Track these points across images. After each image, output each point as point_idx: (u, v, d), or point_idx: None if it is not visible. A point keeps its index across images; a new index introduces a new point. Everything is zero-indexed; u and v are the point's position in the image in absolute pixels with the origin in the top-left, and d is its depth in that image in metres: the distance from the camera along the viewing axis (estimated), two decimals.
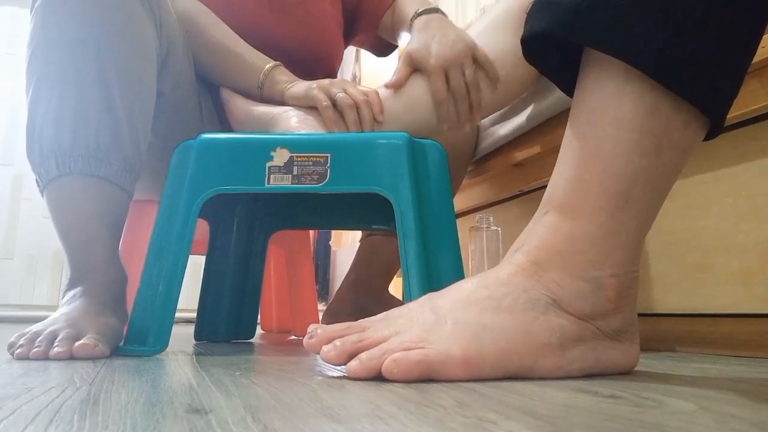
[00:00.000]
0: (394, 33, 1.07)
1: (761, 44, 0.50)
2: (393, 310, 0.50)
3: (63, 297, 0.71)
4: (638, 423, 0.28)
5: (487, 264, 1.06)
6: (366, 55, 2.81)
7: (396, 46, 1.15)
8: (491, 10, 0.94)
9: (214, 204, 0.89)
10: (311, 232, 1.79)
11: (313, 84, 0.85)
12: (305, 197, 1.06)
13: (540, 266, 0.47)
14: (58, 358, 0.59)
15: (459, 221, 1.24)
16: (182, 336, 1.11)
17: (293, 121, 0.83)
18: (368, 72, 2.84)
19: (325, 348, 0.46)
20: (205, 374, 0.48)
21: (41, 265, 2.68)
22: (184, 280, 0.68)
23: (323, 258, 3.09)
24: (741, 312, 0.71)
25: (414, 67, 0.86)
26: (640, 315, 0.52)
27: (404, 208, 0.69)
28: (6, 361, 0.57)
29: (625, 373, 0.49)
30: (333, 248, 3.07)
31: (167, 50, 0.83)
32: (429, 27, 0.89)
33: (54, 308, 0.97)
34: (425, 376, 0.42)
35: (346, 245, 2.80)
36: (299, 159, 0.70)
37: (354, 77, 2.96)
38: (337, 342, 0.46)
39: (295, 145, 0.71)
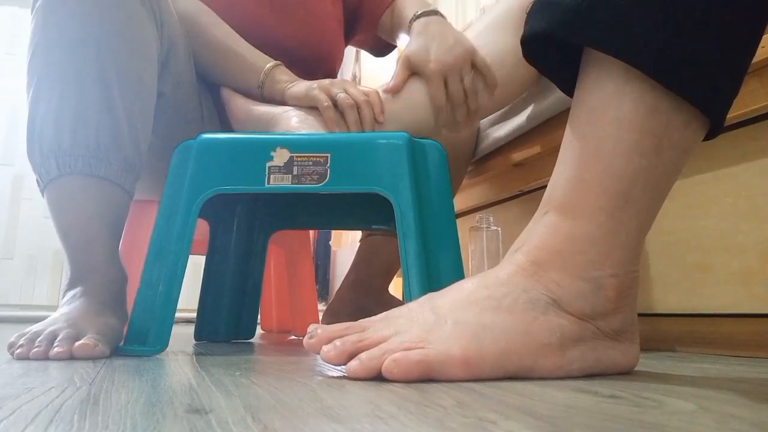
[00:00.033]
0: (393, 33, 1.06)
1: (761, 44, 0.50)
2: (393, 310, 0.50)
3: (63, 297, 0.71)
4: (638, 423, 0.28)
5: (487, 264, 1.06)
6: (366, 55, 2.81)
7: (394, 47, 1.15)
8: (491, 10, 0.94)
9: (214, 204, 0.89)
10: (311, 232, 1.79)
11: (314, 84, 0.85)
12: (305, 197, 1.06)
13: (540, 266, 0.47)
14: (58, 358, 0.59)
15: (459, 221, 1.24)
16: (182, 336, 1.11)
17: (294, 121, 0.83)
18: (368, 72, 2.84)
19: (325, 348, 0.46)
20: (205, 374, 0.48)
21: (41, 265, 2.68)
22: (184, 280, 0.68)
23: (323, 258, 3.10)
24: (741, 312, 0.71)
25: (412, 70, 0.86)
26: (640, 315, 0.52)
27: (404, 208, 0.69)
28: (6, 361, 0.57)
29: (625, 373, 0.49)
30: (333, 248, 3.07)
31: (168, 50, 0.83)
32: (428, 30, 0.89)
33: (54, 308, 0.97)
34: (425, 376, 0.42)
35: (346, 245, 2.80)
36: (299, 159, 0.70)
37: (354, 77, 2.96)
38: (337, 342, 0.46)
39: (295, 145, 0.71)
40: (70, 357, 0.60)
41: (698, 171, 0.77)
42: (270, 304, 1.47)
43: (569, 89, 0.52)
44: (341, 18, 1.09)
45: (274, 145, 0.71)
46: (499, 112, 1.11)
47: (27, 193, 2.69)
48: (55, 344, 0.60)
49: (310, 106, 0.85)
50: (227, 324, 1.00)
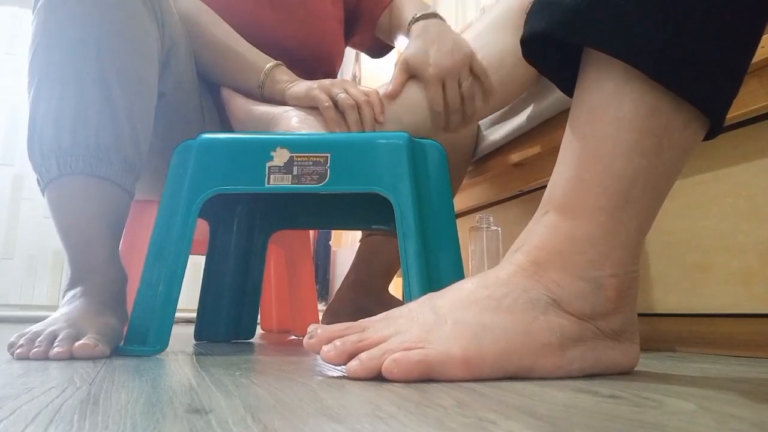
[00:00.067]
0: (391, 34, 1.06)
1: (761, 44, 0.50)
2: (393, 310, 0.50)
3: (63, 297, 0.71)
4: (638, 423, 0.28)
5: (487, 264, 1.06)
6: (366, 55, 2.81)
7: (392, 48, 1.15)
8: (491, 11, 0.94)
9: (214, 204, 0.89)
10: (311, 232, 1.79)
11: (314, 84, 0.85)
12: (305, 197, 1.06)
13: (540, 266, 0.47)
14: (58, 358, 0.59)
15: (459, 221, 1.24)
16: (182, 336, 1.11)
17: (294, 121, 0.83)
18: (368, 72, 2.85)
19: (325, 348, 0.46)
20: (205, 374, 0.48)
21: (41, 265, 2.68)
22: (184, 280, 0.68)
23: (323, 258, 3.10)
24: (741, 312, 0.71)
25: (411, 74, 0.86)
26: (640, 315, 0.52)
27: (404, 208, 0.69)
28: (6, 361, 0.57)
29: (625, 373, 0.49)
30: (333, 248, 3.07)
31: (169, 50, 0.83)
32: (427, 33, 0.88)
33: (54, 308, 0.97)
34: (425, 376, 0.42)
35: (346, 245, 2.80)
36: (299, 159, 0.70)
37: (354, 77, 2.96)
38: (337, 342, 0.46)
39: (295, 145, 0.71)
40: (70, 357, 0.60)
41: (698, 171, 0.77)
42: (270, 304, 1.47)
43: (569, 89, 0.52)
44: (341, 18, 1.09)
45: (274, 145, 0.71)
46: (499, 112, 1.11)
47: (27, 193, 2.69)
48: (55, 344, 0.60)
49: (310, 106, 0.84)
50: (227, 324, 1.00)
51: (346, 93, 0.83)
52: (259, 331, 1.45)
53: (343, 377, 0.45)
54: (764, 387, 0.42)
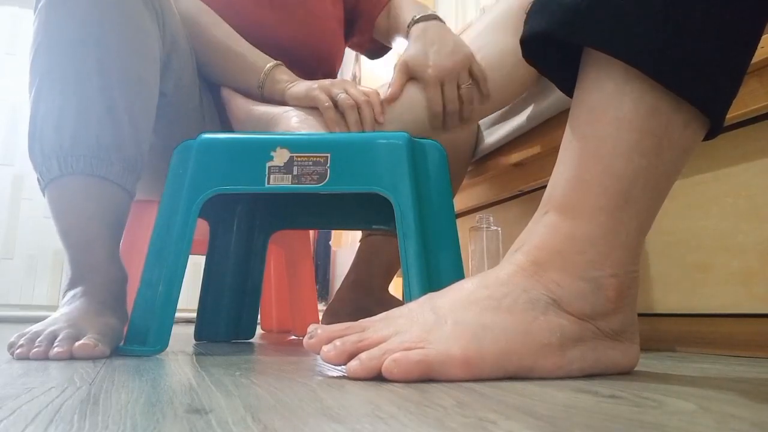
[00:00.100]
0: (389, 35, 1.06)
1: (761, 44, 0.50)
2: (393, 310, 0.50)
3: (63, 297, 0.71)
4: (638, 423, 0.28)
5: (487, 264, 1.06)
6: None
7: (389, 49, 1.15)
8: (491, 10, 0.94)
9: (214, 204, 0.89)
10: (311, 232, 1.79)
11: (314, 84, 0.85)
12: (305, 197, 1.06)
13: (540, 266, 0.47)
14: (58, 358, 0.59)
15: (459, 221, 1.24)
16: (182, 336, 1.11)
17: (294, 121, 0.83)
18: (368, 72, 2.84)
19: (325, 348, 0.46)
20: (205, 374, 0.48)
21: (41, 265, 2.68)
22: (184, 280, 0.68)
23: (323, 258, 3.09)
24: (741, 312, 0.71)
25: (410, 75, 0.86)
26: (640, 315, 0.52)
27: (404, 208, 0.69)
28: (6, 361, 0.57)
29: (625, 373, 0.49)
30: (333, 248, 3.07)
31: (170, 50, 0.83)
32: (427, 35, 0.88)
33: (54, 308, 0.97)
34: (425, 376, 0.42)
35: (346, 245, 2.80)
36: (299, 159, 0.70)
37: (354, 77, 2.96)
38: (337, 342, 0.46)
39: (295, 145, 0.71)
40: (70, 357, 0.60)
41: (698, 171, 0.77)
42: (270, 304, 1.47)
43: (569, 89, 0.52)
44: (341, 18, 1.09)
45: (274, 145, 0.71)
46: (499, 112, 1.11)
47: (27, 193, 2.69)
48: (55, 344, 0.60)
49: (310, 106, 0.84)
50: (227, 324, 1.00)
51: (346, 93, 0.83)
52: (259, 331, 1.45)
53: (343, 377, 0.45)
54: (764, 387, 0.42)
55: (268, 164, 0.70)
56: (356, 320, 0.49)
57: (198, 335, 0.97)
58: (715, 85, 0.45)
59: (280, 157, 0.70)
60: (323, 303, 2.73)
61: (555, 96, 0.93)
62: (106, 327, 0.66)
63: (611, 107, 0.47)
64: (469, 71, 0.85)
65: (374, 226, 1.07)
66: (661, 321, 0.82)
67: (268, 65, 0.89)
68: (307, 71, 0.98)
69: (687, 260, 0.78)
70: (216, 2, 0.94)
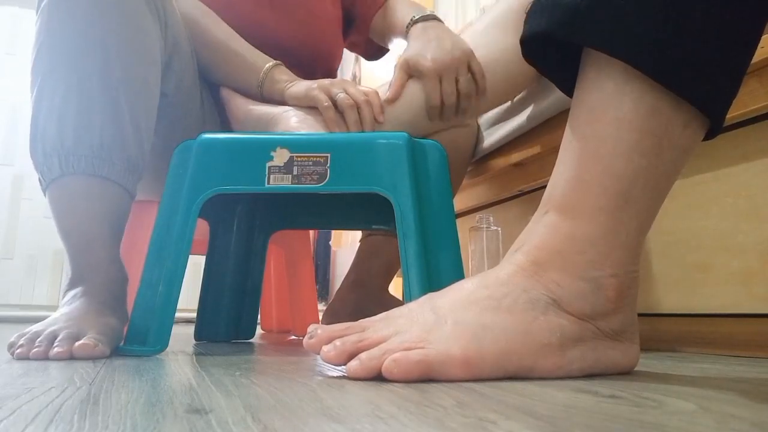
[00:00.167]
0: (385, 36, 1.07)
1: (761, 44, 0.50)
2: (393, 310, 0.50)
3: (63, 297, 0.71)
4: (638, 423, 0.28)
5: (487, 264, 1.06)
6: None
7: (387, 50, 1.15)
8: (491, 10, 0.95)
9: (214, 204, 0.89)
10: (311, 232, 1.79)
11: (314, 84, 0.85)
12: (305, 197, 1.06)
13: (540, 266, 0.47)
14: (58, 358, 0.59)
15: (459, 221, 1.24)
16: (182, 336, 1.11)
17: (293, 121, 0.83)
18: (368, 72, 2.85)
19: (325, 348, 0.46)
20: (205, 374, 0.48)
21: (41, 265, 2.68)
22: (184, 280, 0.68)
23: (323, 258, 3.09)
24: (741, 312, 0.71)
25: (410, 73, 0.86)
26: (640, 315, 0.52)
27: (404, 208, 0.69)
28: (6, 361, 0.57)
29: (625, 373, 0.49)
30: (333, 248, 3.07)
31: (172, 52, 0.83)
32: (426, 34, 0.89)
33: (54, 308, 0.97)
34: (425, 376, 0.42)
35: (346, 245, 2.80)
36: (299, 159, 0.70)
37: (354, 77, 2.96)
38: (337, 342, 0.46)
39: (295, 145, 0.71)
40: (70, 357, 0.60)
41: (698, 171, 0.77)
42: (270, 304, 1.47)
43: (569, 89, 0.52)
44: (340, 18, 1.09)
45: (274, 145, 0.71)
46: (499, 112, 1.11)
47: (27, 193, 2.69)
48: (55, 344, 0.60)
49: (309, 106, 0.85)
50: (227, 324, 1.00)
51: (346, 93, 0.83)
52: (259, 331, 1.45)
53: (343, 377, 0.45)
54: (764, 387, 0.42)
55: (268, 164, 0.70)
56: (356, 320, 0.49)
57: (198, 335, 0.97)
58: (715, 85, 0.45)
59: (280, 157, 0.70)
60: (323, 303, 2.73)
61: (555, 96, 0.93)
62: (107, 327, 0.66)
63: (611, 107, 0.47)
64: (468, 66, 0.86)
65: (374, 226, 1.07)
66: (661, 321, 0.82)
67: (267, 65, 0.89)
68: (307, 71, 0.98)
69: (687, 260, 0.78)
70: (216, 3, 0.94)
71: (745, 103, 0.68)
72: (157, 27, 0.78)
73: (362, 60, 2.94)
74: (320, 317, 1.23)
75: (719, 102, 0.46)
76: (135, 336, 0.67)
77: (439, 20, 0.93)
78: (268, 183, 0.70)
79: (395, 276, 1.24)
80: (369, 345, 0.45)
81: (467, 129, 1.11)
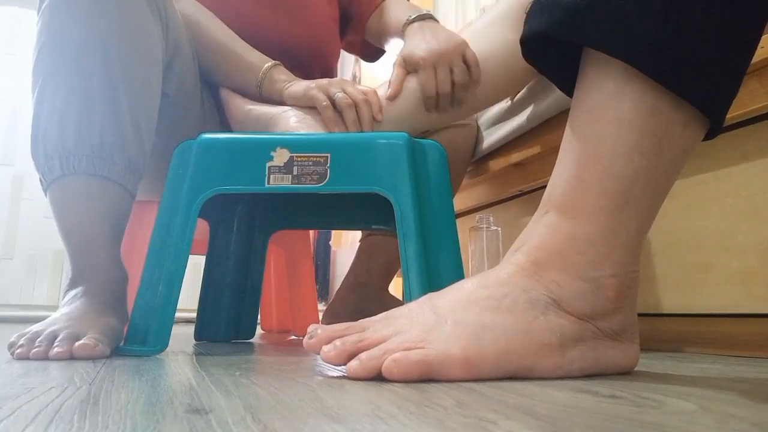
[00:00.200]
0: (380, 37, 1.07)
1: (761, 44, 0.50)
2: (393, 310, 0.50)
3: (63, 297, 0.71)
4: (638, 423, 0.28)
5: (487, 264, 1.06)
6: None
7: (383, 52, 1.15)
8: (491, 10, 0.95)
9: (214, 204, 0.89)
10: (311, 232, 1.79)
11: (312, 84, 0.85)
12: (305, 197, 1.06)
13: (540, 266, 0.47)
14: (58, 358, 0.59)
15: (459, 221, 1.24)
16: (182, 336, 1.11)
17: (292, 121, 0.83)
18: (368, 72, 2.85)
19: (325, 348, 0.46)
20: (205, 374, 0.48)
21: (41, 265, 2.68)
22: (184, 280, 0.68)
23: (323, 258, 3.09)
24: (741, 312, 0.71)
25: (408, 69, 0.87)
26: (640, 315, 0.52)
27: (404, 208, 0.69)
28: (6, 361, 0.57)
29: (625, 373, 0.49)
30: (333, 248, 3.07)
31: (173, 53, 0.83)
32: (422, 31, 0.90)
33: (54, 308, 0.97)
34: (425, 376, 0.42)
35: (346, 245, 2.80)
36: (299, 159, 0.70)
37: (354, 77, 2.96)
38: (337, 342, 0.46)
39: (295, 145, 0.71)
40: (70, 357, 0.60)
41: (698, 171, 0.77)
42: (270, 304, 1.47)
43: (569, 89, 0.52)
44: (337, 17, 1.09)
45: (274, 145, 0.71)
46: (499, 112, 1.11)
47: (27, 193, 2.69)
48: (55, 344, 0.60)
49: (308, 105, 0.85)
50: (227, 324, 1.00)
51: (344, 92, 0.83)
52: (259, 331, 1.45)
53: (343, 377, 0.45)
54: (764, 387, 0.42)
55: (268, 164, 0.70)
56: (356, 320, 0.49)
57: (198, 335, 0.97)
58: (715, 85, 0.45)
59: (280, 157, 0.70)
60: (323, 303, 2.73)
61: (555, 96, 0.93)
62: (107, 327, 0.66)
63: (611, 107, 0.47)
64: (463, 57, 0.86)
65: (374, 226, 1.07)
66: (662, 321, 0.82)
67: (266, 65, 0.89)
68: (306, 71, 0.98)
69: (687, 260, 0.78)
70: (215, 3, 0.94)
71: (745, 103, 0.68)
72: (158, 28, 0.78)
73: (362, 60, 2.95)
74: (320, 317, 1.23)
75: (719, 102, 0.46)
76: (135, 336, 0.67)
77: (435, 19, 0.94)
78: (268, 183, 0.70)
79: (395, 276, 1.24)
80: (369, 345, 0.45)
81: (467, 129, 1.11)
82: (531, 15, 0.50)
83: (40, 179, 0.73)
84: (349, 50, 1.19)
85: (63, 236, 0.72)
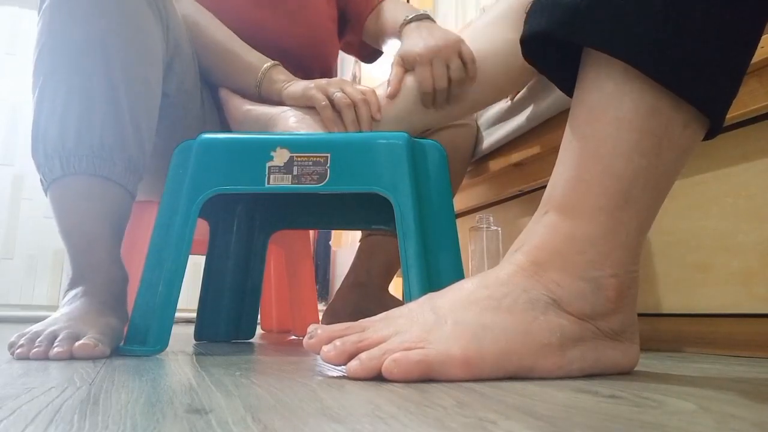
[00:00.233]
0: (378, 37, 1.07)
1: (761, 44, 0.50)
2: (393, 310, 0.50)
3: (64, 297, 0.71)
4: (638, 423, 0.28)
5: (487, 264, 1.06)
6: None
7: (381, 53, 1.15)
8: (491, 9, 0.95)
9: (214, 204, 0.89)
10: (311, 232, 1.79)
11: (311, 84, 0.85)
12: (305, 197, 1.06)
13: (540, 266, 0.47)
14: (58, 358, 0.59)
15: (459, 221, 1.24)
16: (182, 336, 1.11)
17: (291, 121, 0.83)
18: (368, 72, 2.85)
19: (325, 348, 0.46)
20: (205, 374, 0.48)
21: (41, 265, 2.68)
22: (184, 280, 0.68)
23: (323, 258, 3.09)
24: (741, 312, 0.71)
25: (406, 67, 0.87)
26: (640, 315, 0.52)
27: (404, 208, 0.69)
28: (6, 361, 0.57)
29: (625, 373, 0.49)
30: (333, 248, 3.07)
31: (173, 54, 0.83)
32: (419, 31, 0.91)
33: (54, 308, 0.97)
34: (425, 376, 0.42)
35: (346, 245, 2.80)
36: (299, 159, 0.70)
37: (354, 77, 2.96)
38: (337, 342, 0.46)
39: (295, 145, 0.71)
40: (70, 357, 0.60)
41: (698, 171, 0.77)
42: (270, 304, 1.47)
43: (569, 89, 0.52)
44: (335, 17, 1.09)
45: (274, 145, 0.71)
46: (499, 112, 1.11)
47: (27, 193, 2.69)
48: (55, 344, 0.60)
49: (307, 105, 0.85)
50: (227, 324, 1.00)
51: (343, 92, 0.83)
52: (259, 331, 1.45)
53: (343, 377, 0.45)
54: (764, 387, 0.42)
55: (268, 164, 0.70)
56: (356, 320, 0.49)
57: (198, 335, 0.97)
58: (715, 85, 0.45)
59: (280, 157, 0.70)
60: (323, 303, 2.73)
61: (555, 96, 0.93)
62: (107, 327, 0.66)
63: (611, 107, 0.47)
64: (459, 53, 0.86)
65: (374, 226, 1.07)
66: (662, 321, 0.82)
67: (265, 65, 0.89)
68: (305, 71, 0.98)
69: (687, 260, 0.78)
70: (215, 3, 0.94)
71: (745, 103, 0.68)
72: (159, 28, 0.78)
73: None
74: (320, 317, 1.23)
75: (719, 102, 0.46)
76: (135, 336, 0.67)
77: (431, 19, 0.94)
78: (268, 183, 0.70)
79: (395, 276, 1.24)
80: (369, 345, 0.45)
81: (467, 129, 1.11)
82: (531, 15, 0.50)
83: (41, 179, 0.73)
84: (347, 51, 1.19)
85: (63, 236, 0.72)
